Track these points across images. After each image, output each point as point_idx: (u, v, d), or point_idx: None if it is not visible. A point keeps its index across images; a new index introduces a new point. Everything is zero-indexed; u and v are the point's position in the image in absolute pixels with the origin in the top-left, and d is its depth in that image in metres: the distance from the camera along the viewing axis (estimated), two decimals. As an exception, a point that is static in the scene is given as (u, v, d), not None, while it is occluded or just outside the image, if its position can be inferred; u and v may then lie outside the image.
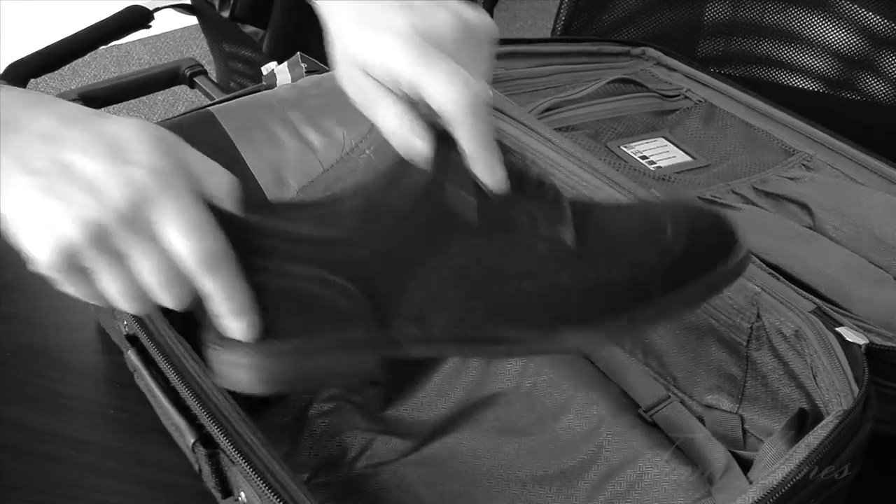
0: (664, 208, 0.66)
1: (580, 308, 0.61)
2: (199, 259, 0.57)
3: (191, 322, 0.80)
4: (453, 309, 0.59)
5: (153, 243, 0.56)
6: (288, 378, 0.59)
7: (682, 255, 0.63)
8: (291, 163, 0.90)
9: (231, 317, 0.58)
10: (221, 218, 0.56)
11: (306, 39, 0.92)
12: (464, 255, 0.59)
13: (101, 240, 0.55)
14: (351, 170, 0.92)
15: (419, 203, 0.58)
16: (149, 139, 0.57)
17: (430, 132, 0.60)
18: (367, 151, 0.93)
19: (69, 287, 0.58)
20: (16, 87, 0.59)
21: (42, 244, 0.55)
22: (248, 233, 0.57)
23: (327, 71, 1.00)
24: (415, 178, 0.59)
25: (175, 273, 0.57)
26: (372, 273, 0.58)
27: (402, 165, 0.60)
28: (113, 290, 0.58)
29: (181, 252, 0.56)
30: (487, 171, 0.60)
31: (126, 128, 0.57)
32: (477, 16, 0.64)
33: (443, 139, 0.59)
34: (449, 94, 0.59)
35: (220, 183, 0.59)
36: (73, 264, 0.56)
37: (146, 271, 0.57)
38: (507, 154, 0.60)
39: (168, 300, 0.58)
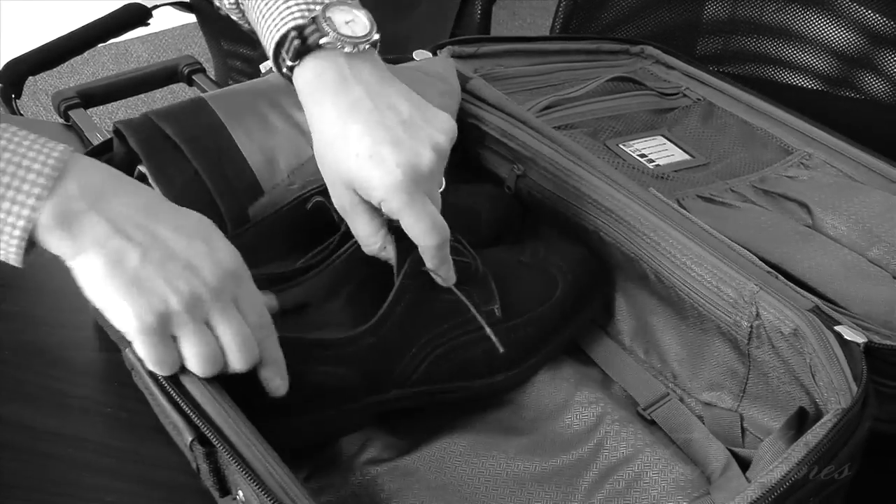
0: (557, 265, 0.90)
1: (507, 358, 0.84)
2: (262, 327, 0.71)
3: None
4: (426, 373, 0.80)
5: (233, 313, 0.68)
6: (304, 440, 0.78)
7: (572, 304, 0.89)
8: (282, 146, 0.90)
9: (277, 376, 0.72)
10: None
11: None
12: (434, 338, 0.80)
13: (196, 308, 0.67)
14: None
15: (399, 304, 0.78)
16: (215, 228, 0.71)
17: (393, 240, 0.79)
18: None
19: (149, 348, 0.67)
20: (81, 156, 0.68)
21: (143, 308, 0.65)
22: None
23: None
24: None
25: (248, 339, 0.69)
26: (370, 360, 0.77)
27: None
28: (194, 352, 0.67)
29: (253, 321, 0.70)
30: (444, 276, 0.79)
31: (196, 216, 0.71)
32: (447, 138, 0.79)
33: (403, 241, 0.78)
34: (426, 236, 0.75)
35: None
36: (165, 329, 0.66)
37: (227, 335, 0.68)
38: (464, 248, 0.83)
39: (241, 361, 0.69)
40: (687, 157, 1.10)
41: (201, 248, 0.68)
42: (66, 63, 1.57)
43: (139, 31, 1.61)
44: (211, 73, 1.37)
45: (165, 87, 1.37)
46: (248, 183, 0.88)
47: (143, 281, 0.65)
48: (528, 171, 0.97)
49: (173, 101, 0.92)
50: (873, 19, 1.36)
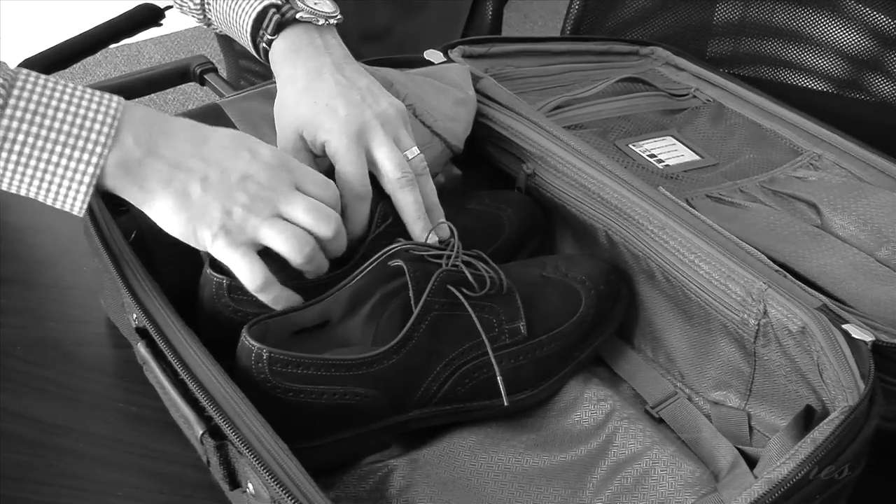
0: (579, 280, 0.89)
1: (531, 377, 0.84)
2: (331, 197, 0.80)
3: (199, 315, 0.80)
4: (449, 392, 0.80)
5: (297, 196, 0.77)
6: (333, 461, 0.79)
7: (594, 319, 0.88)
8: None
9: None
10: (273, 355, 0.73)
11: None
12: (458, 356, 0.80)
13: (258, 208, 0.76)
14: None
15: (423, 323, 0.78)
16: (251, 137, 0.79)
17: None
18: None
19: (241, 264, 0.75)
20: (132, 105, 0.75)
21: (214, 226, 0.74)
22: (299, 366, 0.73)
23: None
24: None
25: (320, 209, 0.78)
26: (393, 380, 0.77)
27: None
28: (280, 242, 0.76)
29: (320, 194, 0.79)
30: (353, 231, 0.83)
31: (234, 133, 0.79)
32: (396, 111, 0.87)
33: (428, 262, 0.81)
34: (351, 182, 0.83)
35: None
36: (243, 239, 0.76)
37: (300, 213, 0.76)
38: (486, 265, 0.83)
39: (325, 229, 0.77)
40: (696, 157, 1.10)
41: (246, 156, 0.76)
42: (79, 64, 1.58)
43: (152, 33, 1.61)
44: (223, 73, 1.38)
45: (177, 87, 1.37)
46: None
47: (208, 206, 0.74)
48: (537, 170, 0.98)
49: (185, 101, 0.93)
50: (883, 22, 1.36)
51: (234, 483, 0.70)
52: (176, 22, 1.64)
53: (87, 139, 0.71)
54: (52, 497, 0.78)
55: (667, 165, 1.07)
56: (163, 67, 1.31)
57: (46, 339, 0.92)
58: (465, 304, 0.79)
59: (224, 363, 0.72)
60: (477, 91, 1.04)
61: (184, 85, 1.35)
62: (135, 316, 0.77)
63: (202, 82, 1.30)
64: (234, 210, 0.74)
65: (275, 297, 0.77)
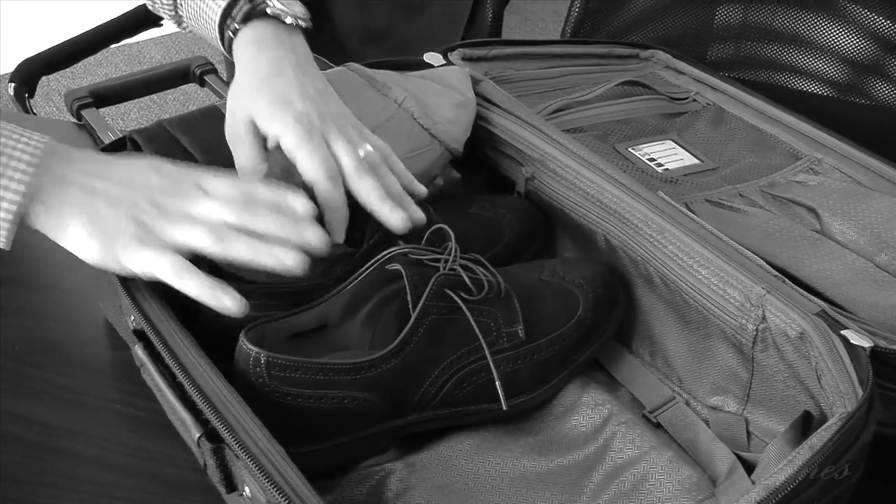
0: (577, 283, 0.89)
1: (529, 381, 0.84)
2: (242, 195, 0.79)
3: (198, 317, 0.80)
4: (447, 395, 0.80)
5: (206, 201, 0.78)
6: (331, 465, 0.79)
7: (592, 322, 0.88)
8: None
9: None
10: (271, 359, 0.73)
11: (315, 38, 0.93)
12: (456, 360, 0.80)
13: (166, 216, 0.76)
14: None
15: (421, 327, 0.78)
16: (160, 159, 0.81)
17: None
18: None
19: (159, 268, 0.75)
20: (55, 142, 0.77)
21: (127, 246, 0.75)
22: (297, 370, 0.73)
23: (332, 68, 1.01)
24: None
25: (232, 201, 0.78)
26: (392, 384, 0.77)
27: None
28: (188, 236, 0.75)
29: (227, 193, 0.79)
30: (334, 230, 0.82)
31: (145, 158, 0.82)
32: (350, 120, 0.88)
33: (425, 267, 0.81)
34: (315, 170, 0.82)
35: None
36: (154, 242, 0.75)
37: (208, 210, 0.77)
38: (484, 269, 0.83)
39: (232, 217, 0.77)
40: (696, 161, 1.10)
41: (149, 171, 0.79)
42: (80, 64, 1.57)
43: (152, 33, 1.61)
44: (223, 74, 1.38)
45: (178, 88, 1.37)
46: None
47: (118, 221, 0.75)
48: (536, 174, 0.98)
49: (185, 101, 0.93)
50: (884, 26, 1.36)
51: (231, 486, 0.70)
52: (176, 22, 1.64)
53: (10, 178, 0.73)
54: (49, 498, 0.78)
55: (666, 169, 1.07)
56: (163, 68, 1.32)
57: (45, 340, 0.92)
58: (463, 307, 0.79)
59: (222, 366, 0.72)
60: (476, 94, 1.04)
61: (184, 86, 1.36)
62: (133, 318, 0.78)
63: (202, 83, 1.30)
64: (143, 220, 0.76)
65: (198, 284, 0.75)
